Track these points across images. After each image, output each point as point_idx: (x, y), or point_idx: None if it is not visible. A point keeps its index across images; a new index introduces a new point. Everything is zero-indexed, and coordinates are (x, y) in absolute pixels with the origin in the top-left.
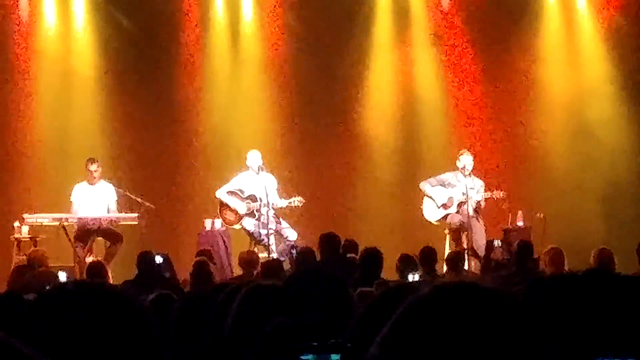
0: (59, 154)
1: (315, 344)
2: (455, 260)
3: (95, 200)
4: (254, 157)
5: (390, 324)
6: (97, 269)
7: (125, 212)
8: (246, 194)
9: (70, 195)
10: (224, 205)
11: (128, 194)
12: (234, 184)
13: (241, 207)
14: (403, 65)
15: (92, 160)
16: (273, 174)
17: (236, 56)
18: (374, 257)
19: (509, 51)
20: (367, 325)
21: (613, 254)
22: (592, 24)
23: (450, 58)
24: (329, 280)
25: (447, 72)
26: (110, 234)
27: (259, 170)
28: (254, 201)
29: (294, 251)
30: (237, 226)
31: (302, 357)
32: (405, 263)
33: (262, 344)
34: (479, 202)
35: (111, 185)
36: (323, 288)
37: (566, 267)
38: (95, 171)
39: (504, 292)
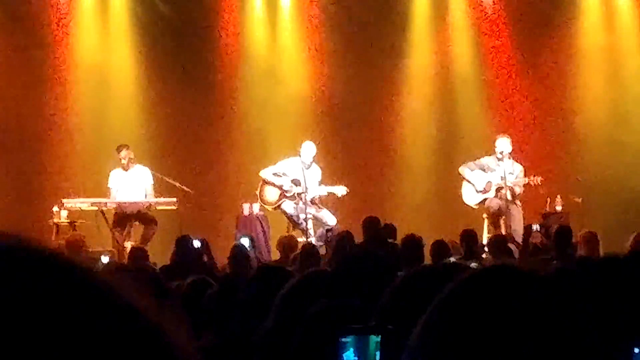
0: (97, 139)
1: (356, 325)
2: (496, 244)
3: (132, 185)
4: (308, 149)
5: (432, 308)
6: (139, 254)
7: (163, 197)
8: (290, 178)
9: (107, 182)
10: (266, 184)
11: (166, 178)
12: (280, 166)
13: (286, 184)
14: (441, 50)
15: (120, 148)
16: (319, 165)
17: (274, 41)
18: (414, 244)
19: (548, 36)
20: (400, 306)
21: None
22: (631, 10)
23: (489, 42)
24: (378, 263)
25: (485, 57)
26: (146, 218)
27: (310, 163)
28: (297, 185)
29: (329, 234)
30: (272, 208)
31: (342, 339)
32: (439, 249)
33: (303, 326)
34: (515, 187)
35: (147, 168)
36: (372, 271)
37: (601, 251)
38: (124, 158)
39: (546, 275)
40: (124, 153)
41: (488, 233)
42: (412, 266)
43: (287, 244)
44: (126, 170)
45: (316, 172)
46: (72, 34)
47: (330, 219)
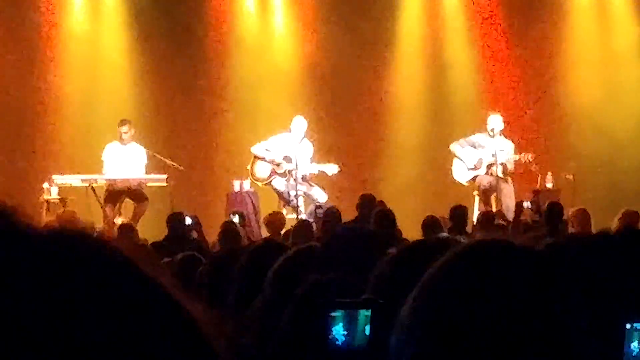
0: (87, 115)
1: (346, 300)
2: (486, 220)
3: (126, 160)
4: (299, 124)
5: (422, 282)
6: (127, 231)
7: (154, 174)
8: (281, 154)
9: (101, 154)
10: (257, 160)
11: (157, 155)
12: (271, 142)
13: (277, 160)
14: (432, 26)
15: (123, 122)
16: (311, 141)
17: (264, 15)
18: (386, 219)
19: (539, 12)
20: (390, 280)
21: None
22: None
23: (480, 19)
24: (369, 239)
25: (477, 33)
26: (137, 194)
27: (302, 138)
28: (289, 162)
29: (319, 211)
30: (263, 184)
31: (331, 313)
32: (430, 224)
33: (294, 301)
34: (506, 164)
35: (143, 148)
36: (364, 247)
37: (593, 229)
38: (125, 133)
39: (538, 250)
40: (125, 128)
41: (479, 210)
42: (384, 242)
43: (273, 221)
44: (123, 144)
45: (307, 147)
46: (60, 9)
47: (321, 196)
